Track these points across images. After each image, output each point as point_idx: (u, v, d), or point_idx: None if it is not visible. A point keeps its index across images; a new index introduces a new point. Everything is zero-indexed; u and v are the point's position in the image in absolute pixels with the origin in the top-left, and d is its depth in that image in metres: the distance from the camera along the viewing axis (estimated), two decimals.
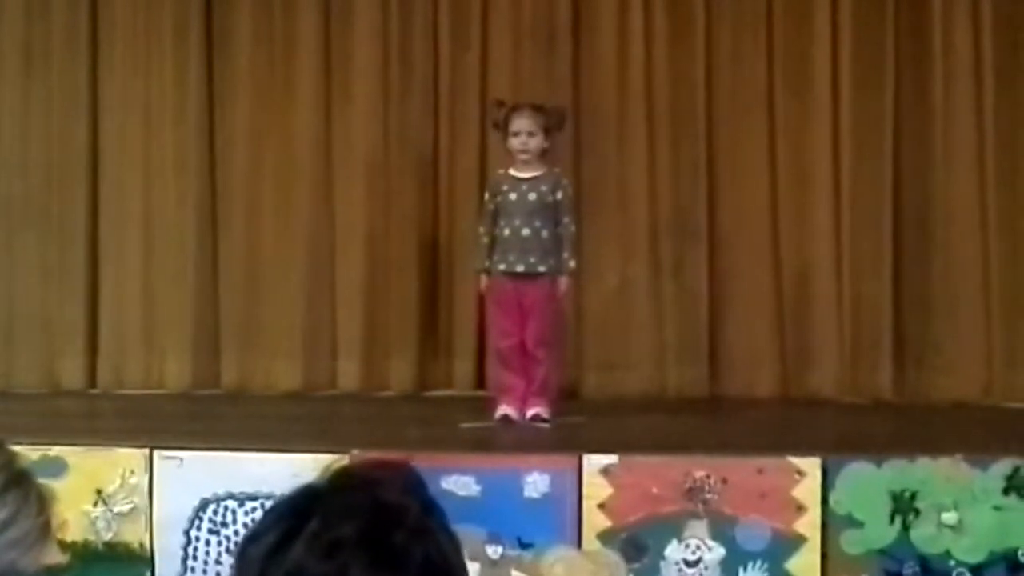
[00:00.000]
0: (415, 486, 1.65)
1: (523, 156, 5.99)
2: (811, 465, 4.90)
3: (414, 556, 1.57)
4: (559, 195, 6.00)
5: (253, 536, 1.62)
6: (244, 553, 1.62)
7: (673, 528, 4.92)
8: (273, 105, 7.35)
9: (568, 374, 6.86)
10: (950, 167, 6.85)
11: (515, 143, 6.00)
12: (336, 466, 1.69)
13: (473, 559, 4.89)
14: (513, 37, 7.18)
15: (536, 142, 5.98)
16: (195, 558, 5.09)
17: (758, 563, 4.89)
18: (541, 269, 5.94)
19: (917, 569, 4.86)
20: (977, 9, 6.83)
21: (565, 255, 5.96)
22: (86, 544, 5.17)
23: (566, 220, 6.00)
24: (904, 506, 4.88)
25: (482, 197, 6.33)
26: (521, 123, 6.01)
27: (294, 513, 1.60)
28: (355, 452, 5.03)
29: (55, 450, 5.21)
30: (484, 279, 6.10)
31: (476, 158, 7.09)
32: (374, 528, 1.57)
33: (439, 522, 1.64)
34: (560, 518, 4.95)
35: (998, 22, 6.79)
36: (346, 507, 1.59)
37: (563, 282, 6.00)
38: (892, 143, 6.87)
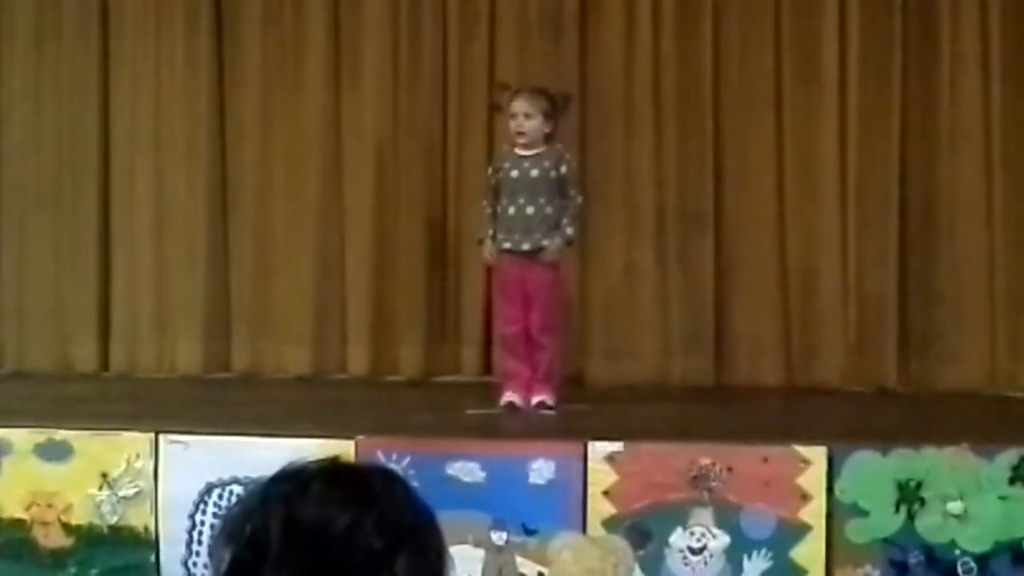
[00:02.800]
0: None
1: (520, 139, 5.96)
2: (816, 454, 4.89)
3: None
4: (563, 169, 5.95)
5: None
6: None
7: (678, 516, 4.92)
8: (283, 91, 7.37)
9: (573, 362, 6.87)
10: (956, 158, 6.83)
11: (512, 125, 5.98)
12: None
13: (478, 545, 4.91)
14: (520, 25, 7.18)
15: (532, 124, 5.93)
16: (200, 542, 5.10)
17: (763, 551, 4.89)
18: (546, 245, 5.91)
19: (922, 558, 4.84)
20: (985, 1, 6.80)
21: (564, 221, 5.90)
22: (91, 528, 5.20)
23: (572, 192, 5.95)
24: (910, 495, 4.86)
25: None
26: (517, 105, 5.97)
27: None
28: (360, 438, 5.06)
29: (61, 434, 5.22)
30: (488, 245, 6.00)
31: (484, 145, 7.09)
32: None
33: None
34: (565, 505, 4.95)
35: (1006, 14, 6.77)
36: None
37: (556, 245, 5.89)
38: (899, 134, 6.85)
